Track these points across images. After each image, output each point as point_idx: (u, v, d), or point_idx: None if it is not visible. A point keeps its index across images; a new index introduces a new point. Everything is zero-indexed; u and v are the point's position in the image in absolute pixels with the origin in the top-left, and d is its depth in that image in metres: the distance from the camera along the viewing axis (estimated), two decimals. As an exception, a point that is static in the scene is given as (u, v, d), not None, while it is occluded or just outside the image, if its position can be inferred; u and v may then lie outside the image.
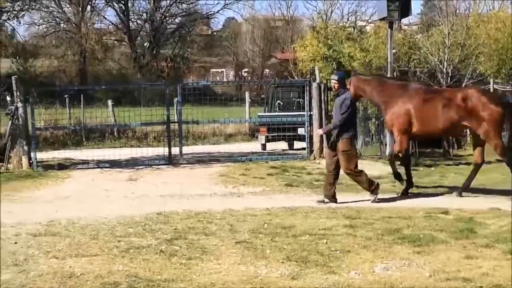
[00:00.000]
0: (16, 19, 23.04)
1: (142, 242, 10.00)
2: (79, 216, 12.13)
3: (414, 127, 14.50)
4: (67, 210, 12.89)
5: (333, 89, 14.17)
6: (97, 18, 65.01)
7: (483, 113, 14.08)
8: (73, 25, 61.42)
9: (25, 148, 19.41)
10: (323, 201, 13.54)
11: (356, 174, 13.72)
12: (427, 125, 14.50)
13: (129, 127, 27.73)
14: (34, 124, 20.03)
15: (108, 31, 66.08)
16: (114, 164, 20.17)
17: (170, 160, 20.31)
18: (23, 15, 23.42)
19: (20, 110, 19.41)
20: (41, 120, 24.76)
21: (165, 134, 22.19)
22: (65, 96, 31.47)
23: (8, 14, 22.13)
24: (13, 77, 20.25)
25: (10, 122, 19.98)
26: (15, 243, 10.04)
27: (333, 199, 13.60)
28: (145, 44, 65.08)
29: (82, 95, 31.37)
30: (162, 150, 21.29)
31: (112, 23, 65.92)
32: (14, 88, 19.60)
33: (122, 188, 16.01)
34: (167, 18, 65.85)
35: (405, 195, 14.61)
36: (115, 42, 67.12)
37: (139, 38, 65.78)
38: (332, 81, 14.26)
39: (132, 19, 65.42)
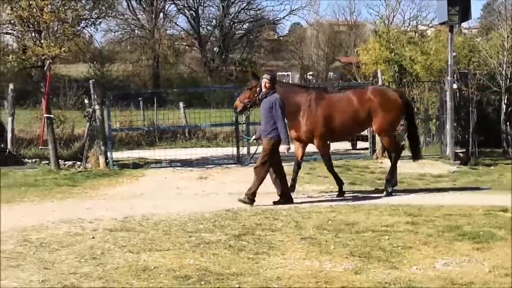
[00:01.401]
0: (93, 26, 23.29)
1: (212, 238, 10.05)
2: (153, 212, 12.26)
3: None
4: (141, 207, 13.02)
5: (264, 89, 13.47)
6: (169, 25, 65.48)
7: None
8: (147, 31, 61.95)
9: (102, 148, 19.68)
10: (243, 200, 13.23)
11: (260, 172, 13.25)
12: None
13: (199, 128, 27.87)
14: (110, 125, 20.31)
15: (180, 37, 66.49)
16: (185, 163, 20.33)
17: (239, 160, 20.37)
18: (100, 22, 23.68)
19: (98, 112, 19.69)
20: (117, 122, 25.05)
21: (233, 135, 22.26)
22: (139, 98, 31.79)
23: (86, 21, 22.40)
24: (90, 81, 20.56)
25: (88, 123, 20.31)
26: (93, 237, 10.18)
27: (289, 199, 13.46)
28: (214, 49, 65.33)
29: (155, 98, 31.68)
30: (231, 150, 21.38)
31: (184, 29, 66.34)
32: (92, 91, 19.89)
33: (193, 186, 16.11)
34: (235, 24, 66.03)
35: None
36: (186, 47, 67.50)
37: (209, 43, 66.05)
38: (264, 80, 13.51)
39: (203, 25, 65.75)
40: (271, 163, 13.30)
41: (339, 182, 14.46)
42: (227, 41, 64.27)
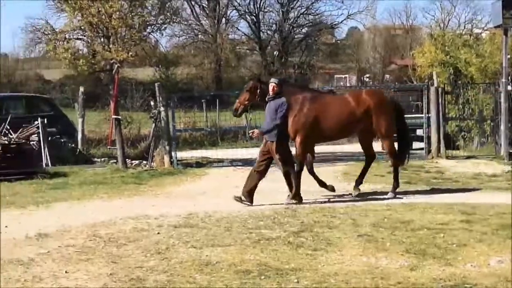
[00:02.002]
0: (159, 31, 23.60)
1: (272, 234, 10.07)
2: (215, 209, 12.32)
3: None
4: (204, 204, 13.10)
5: (271, 92, 13.29)
6: (231, 30, 65.60)
7: None
8: (210, 36, 62.25)
9: (167, 148, 19.85)
10: (240, 199, 13.13)
11: (291, 172, 13.26)
12: None
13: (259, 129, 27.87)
14: (174, 126, 20.48)
15: (241, 41, 66.60)
16: (246, 162, 20.36)
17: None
18: (166, 27, 24.02)
19: (163, 114, 19.87)
20: (181, 123, 25.21)
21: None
22: (202, 100, 32.01)
23: (152, 27, 22.68)
24: (156, 84, 20.74)
25: (153, 124, 20.50)
26: (158, 233, 10.28)
27: (249, 198, 13.16)
28: (274, 53, 65.27)
29: (217, 100, 31.84)
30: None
31: (245, 34, 66.42)
32: (157, 94, 20.07)
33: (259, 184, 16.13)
34: (294, 29, 65.82)
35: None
36: (247, 51, 67.61)
37: (269, 47, 66.00)
38: (272, 84, 13.34)
39: (263, 30, 65.73)
40: (266, 168, 13.41)
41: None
42: (287, 45, 64.13)
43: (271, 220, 11.18)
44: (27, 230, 10.45)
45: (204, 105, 31.71)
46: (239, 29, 66.53)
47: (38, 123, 20.01)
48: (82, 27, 21.49)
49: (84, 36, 22.73)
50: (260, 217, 11.46)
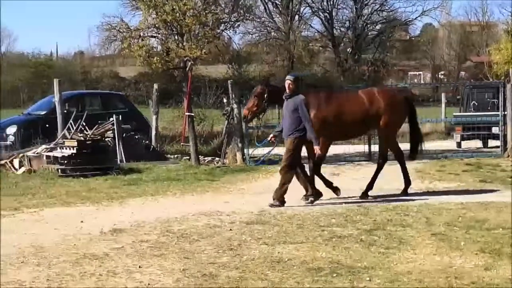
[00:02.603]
0: (232, 29, 23.78)
1: (344, 232, 10.03)
2: (287, 206, 12.33)
3: None
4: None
5: (287, 90, 12.81)
6: (304, 27, 65.51)
7: None
8: (283, 33, 62.27)
9: (239, 145, 19.95)
10: (311, 202, 12.97)
11: (287, 171, 12.74)
12: None
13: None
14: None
15: (314, 38, 66.51)
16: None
17: (370, 157, 20.25)
18: (239, 25, 24.20)
19: (235, 111, 19.96)
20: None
21: (365, 133, 22.13)
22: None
23: (226, 24, 22.84)
24: (229, 82, 20.86)
25: (226, 121, 20.63)
26: (230, 230, 10.33)
27: (318, 194, 13.11)
28: (347, 50, 64.98)
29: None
30: (362, 148, 21.25)
31: (318, 31, 66.25)
32: (230, 91, 20.18)
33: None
34: (368, 25, 65.38)
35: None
36: (320, 48, 67.47)
37: (342, 44, 65.75)
38: (287, 81, 12.83)
39: (336, 27, 65.45)
40: (297, 163, 13.05)
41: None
42: (360, 41, 63.76)
43: (344, 218, 11.14)
44: (102, 225, 10.63)
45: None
46: (312, 26, 66.40)
47: (113, 120, 20.31)
48: (157, 25, 21.77)
49: (159, 34, 23.01)
50: (333, 215, 11.42)
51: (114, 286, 7.36)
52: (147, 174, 17.61)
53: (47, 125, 21.53)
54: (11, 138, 21.89)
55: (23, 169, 18.03)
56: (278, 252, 8.78)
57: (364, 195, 13.71)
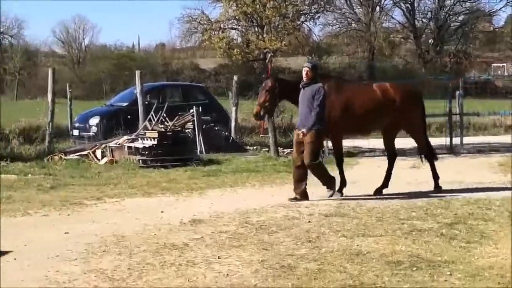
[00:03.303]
0: (312, 20, 23.72)
1: (424, 225, 9.92)
2: (366, 199, 12.27)
3: None
4: (355, 193, 13.05)
5: (304, 78, 12.27)
6: (385, 18, 65.10)
7: None
8: (363, 24, 62.00)
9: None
10: (295, 199, 12.28)
11: (316, 167, 12.25)
12: None
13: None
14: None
15: (395, 29, 65.92)
16: (398, 152, 20.11)
17: (451, 150, 19.96)
18: (319, 16, 24.14)
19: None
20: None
21: (446, 125, 21.83)
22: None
23: (306, 16, 22.81)
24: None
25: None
26: (309, 222, 10.33)
27: (304, 197, 12.30)
28: (429, 41, 64.23)
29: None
30: (444, 140, 20.96)
31: (399, 22, 65.77)
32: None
33: (405, 175, 15.94)
34: (450, 16, 64.56)
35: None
36: (402, 39, 66.84)
37: (424, 35, 64.99)
38: (305, 69, 12.29)
39: (418, 18, 64.83)
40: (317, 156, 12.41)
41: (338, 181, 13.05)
42: (442, 33, 62.97)
43: (424, 211, 11.02)
44: (181, 216, 10.76)
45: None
46: (393, 17, 65.97)
47: (193, 112, 20.51)
48: (237, 17, 21.87)
49: (239, 25, 23.15)
50: (413, 208, 11.31)
51: (194, 275, 7.44)
52: (226, 165, 17.72)
53: (128, 116, 21.88)
54: (94, 129, 22.34)
55: (105, 159, 18.37)
56: (357, 245, 8.74)
57: (378, 192, 13.30)
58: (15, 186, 14.02)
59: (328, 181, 12.48)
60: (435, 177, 13.69)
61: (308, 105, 12.10)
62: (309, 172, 12.41)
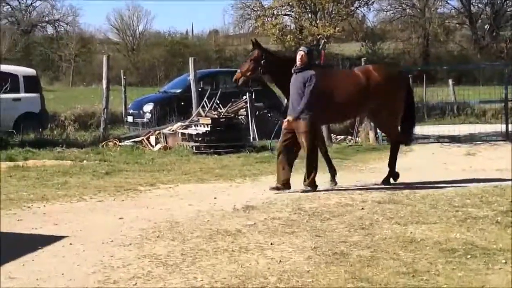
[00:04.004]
0: (366, 6, 23.51)
1: (479, 213, 9.80)
2: (420, 186, 12.16)
3: None
4: (409, 180, 12.94)
5: (298, 63, 11.66)
6: (440, 3, 64.22)
7: None
8: (418, 10, 61.33)
9: (372, 123, 19.76)
10: (276, 188, 11.78)
11: (311, 156, 11.69)
12: None
13: (468, 105, 27.21)
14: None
15: (450, 15, 65.05)
16: (453, 139, 19.93)
17: (508, 137, 19.69)
18: (373, 2, 23.90)
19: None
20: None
21: (502, 112, 21.52)
22: (409, 76, 31.55)
23: (360, 1, 22.65)
24: (362, 59, 20.75)
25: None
26: (362, 208, 10.29)
27: (286, 186, 11.79)
28: (485, 27, 63.28)
29: (424, 75, 31.28)
30: (500, 127, 20.68)
31: (454, 8, 64.82)
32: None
33: (460, 162, 15.78)
34: (507, 1, 63.44)
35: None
36: (457, 25, 65.97)
37: (479, 21, 64.05)
38: (300, 53, 11.71)
39: (474, 3, 63.88)
40: (293, 147, 11.88)
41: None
42: (498, 18, 61.92)
43: (479, 199, 10.88)
44: (234, 202, 10.79)
45: (410, 80, 31.24)
46: (448, 3, 65.25)
47: (247, 98, 20.54)
48: (290, 3, 21.79)
49: (292, 12, 23.04)
50: (467, 195, 11.18)
51: (246, 262, 7.47)
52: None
53: (182, 103, 22.01)
54: (148, 115, 22.51)
55: (159, 145, 18.53)
56: (411, 232, 8.68)
57: (386, 181, 12.81)
58: (71, 172, 14.22)
59: (311, 173, 11.84)
60: (392, 166, 13.00)
61: (299, 92, 11.62)
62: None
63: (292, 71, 11.75)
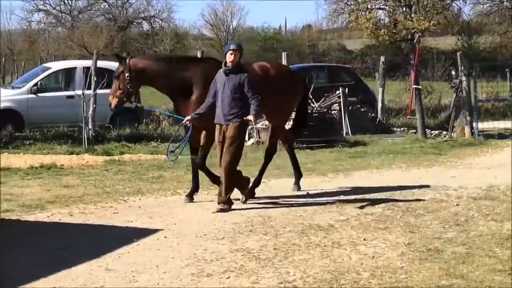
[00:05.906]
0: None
1: None
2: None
3: None
4: (506, 176, 12.65)
5: (230, 62, 10.05)
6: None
7: None
8: (516, 3, 59.92)
9: (468, 118, 19.46)
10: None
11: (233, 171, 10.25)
12: None
13: None
14: (476, 96, 20.03)
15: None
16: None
17: None
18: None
19: (464, 84, 19.50)
20: (483, 93, 24.52)
21: None
22: (506, 70, 30.89)
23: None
24: (458, 53, 20.37)
25: (454, 94, 20.19)
26: (457, 205, 10.14)
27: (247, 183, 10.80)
28: None
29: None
30: None
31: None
32: (459, 63, 19.73)
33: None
34: None
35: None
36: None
37: None
38: (230, 51, 10.10)
39: None
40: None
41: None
42: None
43: None
44: (327, 197, 10.77)
45: (508, 75, 30.54)
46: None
47: (340, 93, 20.47)
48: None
49: (386, 5, 22.83)
50: None
51: (339, 257, 7.45)
52: (372, 147, 17.61)
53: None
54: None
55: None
56: (507, 229, 8.51)
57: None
58: (165, 166, 14.43)
59: (231, 187, 10.29)
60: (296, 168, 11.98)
61: (233, 96, 9.99)
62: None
63: (222, 72, 10.19)
